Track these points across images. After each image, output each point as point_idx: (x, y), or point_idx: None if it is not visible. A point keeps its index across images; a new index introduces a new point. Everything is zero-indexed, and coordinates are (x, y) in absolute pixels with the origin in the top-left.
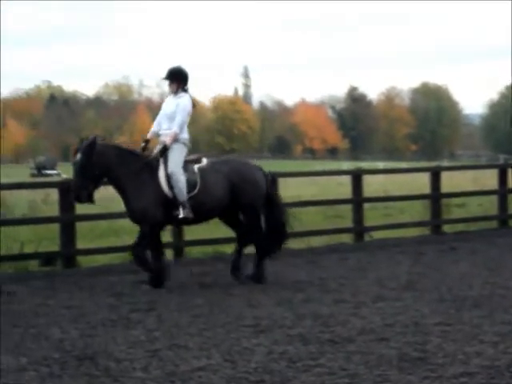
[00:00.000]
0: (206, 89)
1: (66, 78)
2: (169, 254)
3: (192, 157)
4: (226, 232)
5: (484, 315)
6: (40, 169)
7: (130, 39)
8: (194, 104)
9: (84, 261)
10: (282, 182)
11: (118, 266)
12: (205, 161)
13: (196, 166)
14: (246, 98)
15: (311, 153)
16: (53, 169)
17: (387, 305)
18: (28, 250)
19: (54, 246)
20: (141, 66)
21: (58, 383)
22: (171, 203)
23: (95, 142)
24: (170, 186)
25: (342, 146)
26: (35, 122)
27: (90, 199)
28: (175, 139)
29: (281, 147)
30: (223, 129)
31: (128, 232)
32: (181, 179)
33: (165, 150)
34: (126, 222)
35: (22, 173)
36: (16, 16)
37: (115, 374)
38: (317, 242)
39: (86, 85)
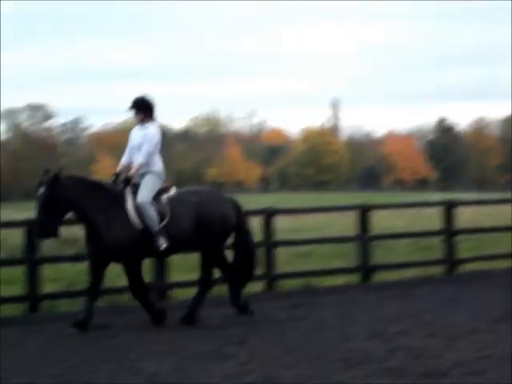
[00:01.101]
0: (295, 120)
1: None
2: (260, 286)
3: (161, 186)
4: (318, 264)
5: None
6: None
7: (219, 72)
8: (163, 133)
9: (176, 294)
10: (373, 214)
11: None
12: (174, 190)
13: (165, 196)
14: (335, 129)
15: (400, 184)
16: None
17: (481, 337)
18: (121, 283)
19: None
20: (230, 98)
21: None
22: (144, 235)
23: (59, 176)
24: (141, 218)
25: (431, 177)
26: None
27: (55, 234)
28: (140, 170)
29: (370, 179)
30: (313, 160)
31: None
32: (150, 210)
33: (128, 181)
34: None
35: None
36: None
37: None
38: (408, 274)
39: (175, 118)
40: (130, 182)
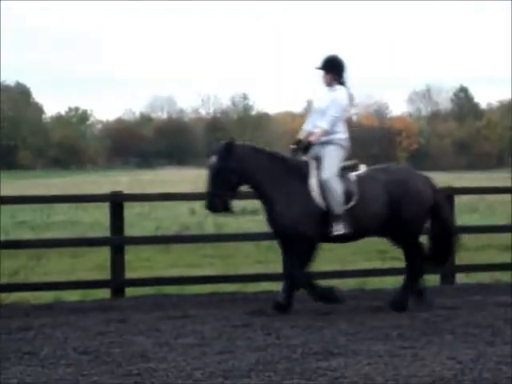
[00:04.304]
0: None
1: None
2: None
3: (348, 163)
4: None
5: None
6: None
7: None
8: (352, 98)
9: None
10: None
11: None
12: (363, 168)
13: (353, 174)
14: None
15: None
16: None
17: None
18: None
19: None
20: None
21: None
22: (324, 216)
23: (233, 144)
24: (324, 196)
25: None
26: None
27: (225, 209)
28: (323, 137)
29: None
30: None
31: None
32: (336, 188)
33: (307, 148)
34: None
35: None
36: None
37: None
38: None
39: None
40: (310, 150)
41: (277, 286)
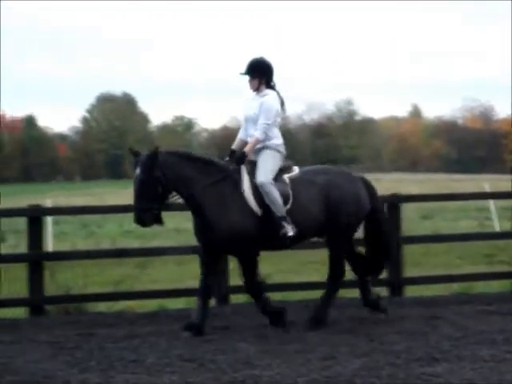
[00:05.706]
0: None
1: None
2: None
3: (281, 164)
4: None
5: None
6: None
7: None
8: (283, 102)
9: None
10: None
11: None
12: (296, 170)
13: (286, 176)
14: None
15: None
16: None
17: None
18: None
19: None
20: None
21: None
22: (262, 222)
23: (156, 154)
24: (259, 202)
25: None
26: None
27: (156, 221)
28: (257, 146)
29: None
30: None
31: None
32: (272, 191)
33: (242, 159)
34: None
35: None
36: None
37: None
38: None
39: None
40: (245, 160)
41: (380, 291)
